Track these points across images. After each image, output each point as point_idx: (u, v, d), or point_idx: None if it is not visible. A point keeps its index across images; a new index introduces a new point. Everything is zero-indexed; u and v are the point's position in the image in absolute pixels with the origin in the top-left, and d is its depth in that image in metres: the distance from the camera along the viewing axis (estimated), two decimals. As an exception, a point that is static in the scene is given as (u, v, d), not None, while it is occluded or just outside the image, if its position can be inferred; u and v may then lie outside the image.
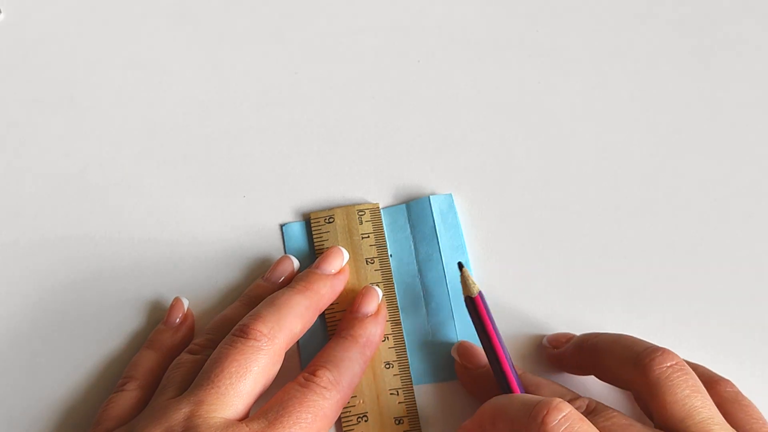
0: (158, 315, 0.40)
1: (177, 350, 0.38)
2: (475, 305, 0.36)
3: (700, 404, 0.31)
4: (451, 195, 0.41)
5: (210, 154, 0.43)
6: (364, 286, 0.38)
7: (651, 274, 0.40)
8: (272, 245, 0.41)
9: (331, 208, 0.41)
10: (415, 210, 0.41)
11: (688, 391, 0.31)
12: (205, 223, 0.41)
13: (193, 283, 0.40)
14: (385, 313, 0.38)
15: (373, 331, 0.37)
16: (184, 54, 0.45)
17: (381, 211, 0.41)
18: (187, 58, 0.45)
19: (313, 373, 0.34)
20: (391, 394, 0.37)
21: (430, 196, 0.41)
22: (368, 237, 0.40)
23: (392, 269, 0.40)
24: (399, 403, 0.37)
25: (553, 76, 0.45)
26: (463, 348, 0.38)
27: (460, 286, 0.39)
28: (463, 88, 0.44)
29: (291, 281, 0.38)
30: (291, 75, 0.45)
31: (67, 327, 0.39)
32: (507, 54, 0.45)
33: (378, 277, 0.39)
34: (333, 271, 0.38)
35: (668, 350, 0.32)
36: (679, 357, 0.32)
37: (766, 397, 0.38)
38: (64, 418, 0.38)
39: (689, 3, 0.46)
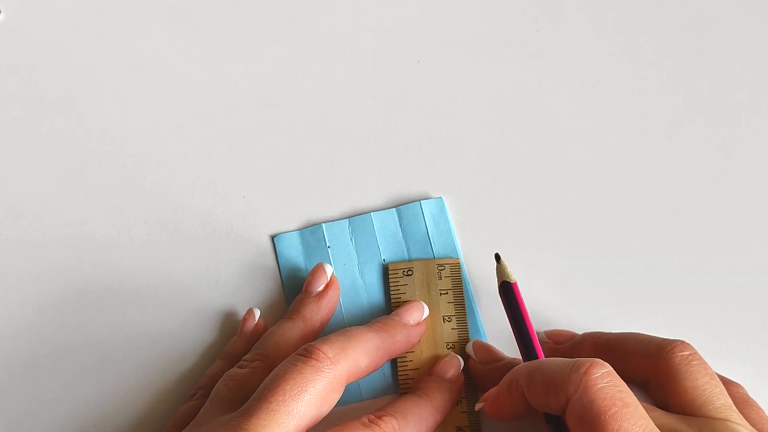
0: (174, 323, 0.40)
1: None
2: (512, 291, 0.36)
3: (719, 391, 0.32)
4: (441, 199, 0.41)
5: (210, 154, 0.43)
6: (449, 353, 0.38)
7: (650, 274, 0.40)
8: (266, 252, 0.41)
9: (410, 260, 0.40)
10: (406, 215, 0.41)
11: (707, 378, 0.32)
12: (205, 224, 0.41)
13: (195, 287, 0.40)
14: (462, 381, 0.37)
15: (448, 397, 0.36)
16: (184, 54, 0.45)
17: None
18: (187, 58, 0.45)
19: (380, 417, 0.33)
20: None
21: (421, 201, 0.41)
22: (447, 293, 0.39)
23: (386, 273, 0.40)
24: (462, 412, 0.37)
25: (553, 76, 0.45)
26: (478, 345, 0.38)
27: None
28: (463, 88, 0.44)
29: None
30: (291, 75, 0.45)
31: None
32: (507, 54, 0.45)
33: (455, 336, 0.38)
34: (412, 322, 0.37)
35: (685, 341, 0.33)
36: (694, 348, 0.33)
37: (766, 396, 0.38)
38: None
39: (689, 3, 0.46)
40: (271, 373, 0.33)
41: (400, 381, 0.37)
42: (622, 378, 0.32)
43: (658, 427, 0.29)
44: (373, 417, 0.33)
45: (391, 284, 0.39)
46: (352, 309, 0.39)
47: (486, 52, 0.45)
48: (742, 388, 0.35)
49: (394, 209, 0.41)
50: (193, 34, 0.45)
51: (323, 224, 0.41)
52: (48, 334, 0.40)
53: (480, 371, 0.37)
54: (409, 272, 0.39)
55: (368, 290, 0.40)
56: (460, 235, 0.41)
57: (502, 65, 0.45)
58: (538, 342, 0.36)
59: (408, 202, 0.41)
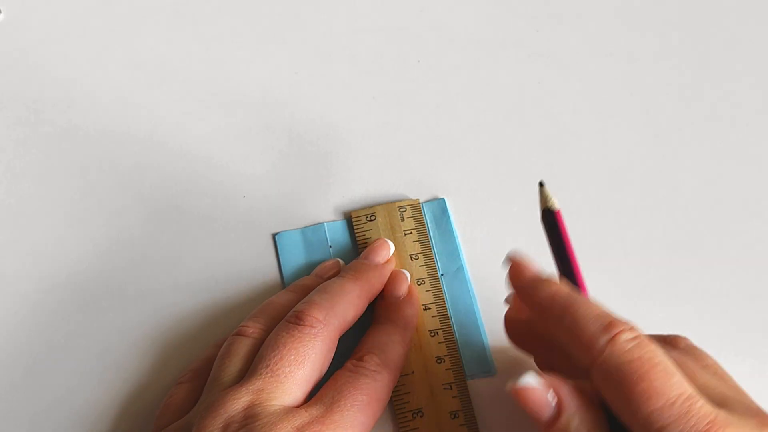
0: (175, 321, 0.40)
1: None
2: (555, 220, 0.34)
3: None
4: (444, 200, 0.41)
5: (210, 154, 0.43)
6: (395, 270, 0.39)
7: (650, 273, 0.40)
8: (267, 250, 0.41)
9: (372, 206, 0.41)
10: (418, 199, 0.41)
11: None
12: (205, 224, 0.41)
13: (198, 286, 0.40)
14: (416, 292, 0.39)
15: (409, 312, 0.38)
16: (185, 54, 0.45)
17: (422, 205, 0.41)
18: (188, 57, 0.45)
19: (361, 359, 0.34)
20: (444, 388, 0.37)
21: (423, 203, 0.41)
22: (411, 233, 0.40)
23: None
24: (453, 397, 0.37)
25: (553, 76, 0.45)
26: (514, 260, 0.33)
27: (457, 291, 0.39)
28: (463, 88, 0.44)
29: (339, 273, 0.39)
30: (291, 75, 0.45)
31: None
32: (507, 54, 0.45)
33: (423, 272, 0.40)
34: (381, 261, 0.39)
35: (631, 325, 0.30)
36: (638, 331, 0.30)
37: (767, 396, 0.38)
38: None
39: (689, 3, 0.46)
40: (268, 341, 0.34)
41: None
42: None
43: (699, 388, 0.28)
44: (355, 361, 0.34)
45: (356, 231, 0.40)
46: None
47: (486, 52, 0.45)
48: (686, 339, 0.34)
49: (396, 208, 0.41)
50: (193, 34, 0.45)
51: (325, 223, 0.41)
52: (48, 334, 0.40)
53: (513, 329, 0.35)
54: (372, 217, 0.40)
55: (369, 289, 0.40)
56: (462, 234, 0.41)
57: (502, 65, 0.45)
58: (581, 274, 0.33)
59: (408, 202, 0.41)
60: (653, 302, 0.40)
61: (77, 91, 0.44)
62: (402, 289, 0.38)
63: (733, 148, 0.43)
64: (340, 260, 0.40)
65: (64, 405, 0.38)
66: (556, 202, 0.35)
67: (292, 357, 0.33)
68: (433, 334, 0.38)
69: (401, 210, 0.41)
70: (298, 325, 0.34)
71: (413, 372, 0.37)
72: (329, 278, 0.39)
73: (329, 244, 0.40)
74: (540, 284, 0.32)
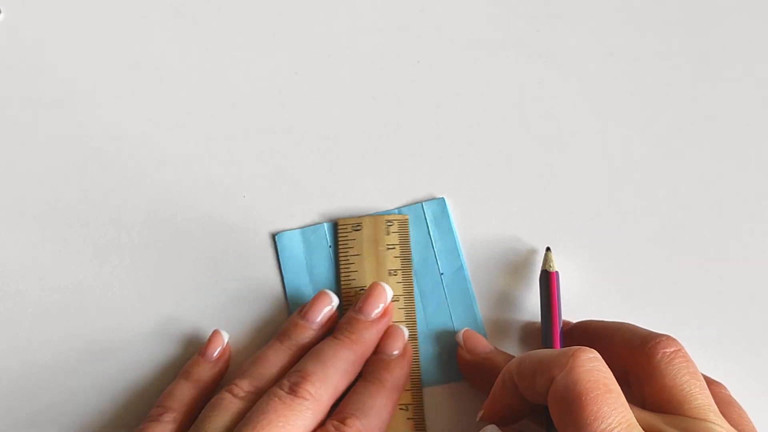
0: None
1: (213, 384, 0.37)
2: (547, 279, 0.37)
3: (697, 390, 0.31)
4: (443, 199, 0.41)
5: (210, 154, 0.43)
6: (391, 325, 0.38)
7: (650, 273, 0.40)
8: (267, 251, 0.41)
9: (359, 216, 0.40)
10: (407, 215, 0.41)
11: (687, 377, 0.32)
12: (205, 224, 0.41)
13: (195, 286, 0.40)
14: (410, 353, 0.38)
15: (400, 373, 0.37)
16: (184, 54, 0.45)
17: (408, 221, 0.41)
18: (187, 58, 0.45)
19: (343, 421, 0.34)
20: (401, 409, 0.37)
21: (423, 203, 0.41)
22: (394, 248, 0.40)
23: None
24: (408, 419, 0.37)
25: (553, 76, 0.45)
26: (468, 334, 0.38)
27: (457, 292, 0.39)
28: (463, 88, 0.44)
29: (334, 328, 0.38)
30: (291, 75, 0.45)
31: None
32: (507, 54, 0.45)
33: (399, 289, 0.39)
34: (377, 313, 0.37)
35: (672, 337, 0.33)
36: (680, 344, 0.33)
37: (766, 396, 0.38)
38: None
39: (689, 3, 0.46)
40: (258, 405, 0.33)
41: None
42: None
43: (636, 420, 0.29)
44: (337, 423, 0.34)
45: (339, 239, 0.40)
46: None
47: (486, 52, 0.45)
48: (725, 388, 0.35)
49: (395, 210, 0.41)
50: (193, 34, 0.45)
51: (324, 223, 0.41)
52: (48, 334, 0.39)
53: (467, 360, 0.37)
54: (358, 227, 0.40)
55: (369, 289, 0.40)
56: (461, 235, 0.41)
57: (502, 65, 0.45)
58: (558, 334, 0.36)
59: (408, 202, 0.41)
60: (653, 302, 0.40)
61: (77, 91, 0.44)
62: (397, 347, 0.37)
63: (734, 148, 0.43)
64: (331, 294, 0.39)
65: (59, 404, 0.38)
66: (555, 265, 0.38)
67: (281, 424, 0.32)
68: None
69: (388, 224, 0.40)
70: (290, 395, 0.33)
71: None
72: (322, 326, 0.38)
73: (329, 244, 0.40)
74: (495, 352, 0.37)
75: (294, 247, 0.40)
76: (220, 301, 0.40)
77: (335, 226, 0.40)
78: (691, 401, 0.31)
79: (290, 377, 0.34)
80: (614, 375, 0.31)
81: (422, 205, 0.41)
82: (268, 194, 0.42)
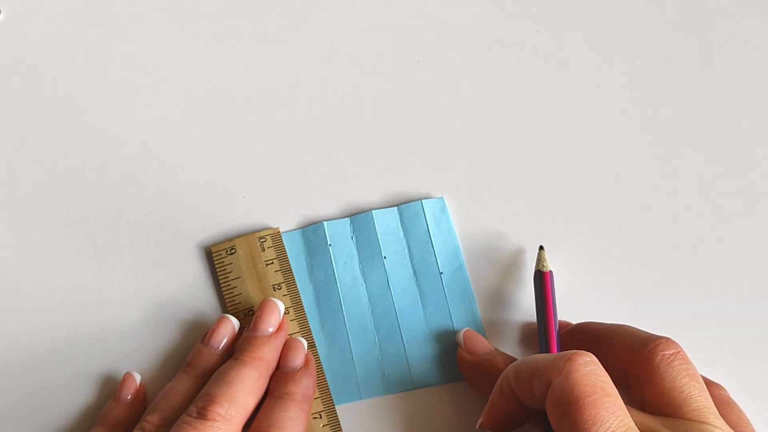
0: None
1: (130, 426, 0.37)
2: (542, 280, 0.37)
3: (697, 393, 0.31)
4: (442, 198, 0.41)
5: (210, 154, 0.43)
6: (289, 338, 0.38)
7: (651, 274, 0.40)
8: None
9: (231, 239, 0.40)
10: (407, 214, 0.41)
11: (687, 379, 0.32)
12: (205, 224, 0.41)
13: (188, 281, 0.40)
14: (313, 362, 0.38)
15: (307, 384, 0.37)
16: (184, 54, 0.45)
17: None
18: (187, 58, 0.45)
19: None
20: (314, 417, 0.38)
21: (423, 201, 0.41)
22: (272, 263, 0.40)
23: (386, 272, 0.40)
24: (323, 426, 0.38)
25: (553, 76, 0.45)
26: (468, 335, 0.38)
27: (456, 290, 0.39)
28: (463, 88, 0.44)
29: (234, 349, 0.37)
30: (291, 75, 0.45)
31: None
32: (507, 54, 0.45)
33: (287, 301, 0.39)
34: (272, 329, 0.37)
35: (671, 339, 0.33)
36: (680, 347, 0.33)
37: (766, 396, 0.38)
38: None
39: (689, 3, 0.46)
40: None
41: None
42: (607, 370, 0.32)
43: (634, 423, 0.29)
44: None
45: (216, 266, 0.40)
46: (353, 307, 0.39)
47: (486, 52, 0.45)
48: (724, 389, 0.35)
49: (395, 208, 0.41)
50: (193, 34, 0.45)
51: (324, 222, 0.41)
52: (47, 335, 0.39)
53: (467, 361, 0.37)
54: (232, 251, 0.40)
55: (369, 288, 0.40)
56: (461, 234, 0.41)
57: (502, 65, 0.45)
58: (554, 335, 0.36)
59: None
60: (653, 302, 0.40)
61: (77, 91, 0.44)
62: (298, 359, 0.37)
63: (734, 148, 0.43)
64: (231, 318, 0.38)
65: (65, 408, 0.38)
66: (549, 264, 0.38)
67: None
68: None
69: (261, 240, 0.40)
70: (200, 419, 0.33)
71: None
72: (225, 351, 0.38)
73: (329, 243, 0.40)
74: (495, 353, 0.37)
75: (294, 247, 0.40)
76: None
77: (209, 254, 0.40)
78: (690, 403, 0.31)
79: (197, 402, 0.34)
80: (614, 377, 0.31)
81: (422, 203, 0.41)
82: (268, 194, 0.42)
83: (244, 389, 0.35)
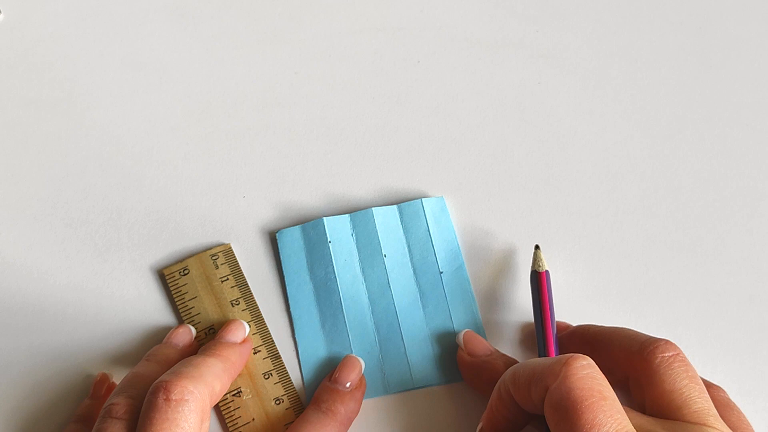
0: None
1: None
2: (538, 280, 0.37)
3: (696, 395, 0.31)
4: (442, 198, 0.41)
5: (210, 154, 0.43)
6: (349, 356, 0.38)
7: (650, 273, 0.40)
8: (267, 249, 0.41)
9: (183, 260, 0.40)
10: (407, 212, 0.41)
11: (686, 381, 0.32)
12: (205, 224, 0.41)
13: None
14: (365, 386, 0.38)
15: (353, 407, 0.37)
16: (184, 54, 0.45)
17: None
18: (187, 58, 0.45)
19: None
20: (276, 403, 0.38)
21: (422, 199, 0.41)
22: (227, 279, 0.40)
23: (387, 270, 0.40)
24: (275, 384, 0.38)
25: (553, 76, 0.45)
26: (468, 336, 0.38)
27: (456, 290, 0.39)
28: (463, 88, 0.44)
29: (198, 350, 0.38)
30: (291, 75, 0.45)
31: None
32: (507, 54, 0.45)
33: (247, 316, 0.39)
34: (238, 340, 0.38)
35: (670, 341, 0.33)
36: (680, 349, 0.33)
37: (766, 396, 0.38)
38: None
39: (689, 3, 0.46)
40: (141, 419, 0.32)
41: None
42: (604, 373, 0.32)
43: (633, 426, 0.29)
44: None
45: (171, 288, 0.40)
46: (353, 304, 0.39)
47: (486, 52, 0.45)
48: (724, 391, 0.35)
49: (395, 206, 0.41)
50: (193, 34, 0.45)
51: (324, 218, 0.41)
52: (47, 335, 0.39)
53: (467, 362, 0.37)
54: (185, 271, 0.40)
55: (368, 285, 0.40)
56: (461, 234, 0.41)
57: (502, 65, 0.45)
58: (551, 335, 0.36)
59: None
60: (652, 302, 0.40)
61: (77, 91, 0.44)
62: (352, 377, 0.37)
63: (734, 148, 0.43)
64: (191, 327, 0.39)
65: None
66: (545, 264, 0.37)
67: (167, 425, 0.31)
68: (267, 377, 0.38)
69: (213, 258, 0.40)
70: (169, 399, 0.32)
71: (253, 419, 0.37)
72: (185, 347, 0.38)
73: (329, 239, 0.40)
74: (495, 355, 0.37)
75: (294, 243, 0.40)
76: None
77: (162, 276, 0.40)
78: (690, 405, 0.31)
79: (164, 378, 0.33)
80: (614, 380, 0.31)
81: (422, 202, 0.41)
82: (268, 194, 0.42)
83: (209, 372, 0.34)
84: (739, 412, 0.34)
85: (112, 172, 0.43)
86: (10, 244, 0.41)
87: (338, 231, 0.40)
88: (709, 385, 0.34)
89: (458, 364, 0.38)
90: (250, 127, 0.43)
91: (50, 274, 0.41)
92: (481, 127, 0.43)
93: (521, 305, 0.40)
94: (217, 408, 0.38)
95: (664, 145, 0.43)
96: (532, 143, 0.43)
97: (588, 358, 0.30)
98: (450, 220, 0.41)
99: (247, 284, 0.40)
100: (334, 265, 0.40)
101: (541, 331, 0.36)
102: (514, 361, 0.37)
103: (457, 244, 0.40)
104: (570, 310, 0.39)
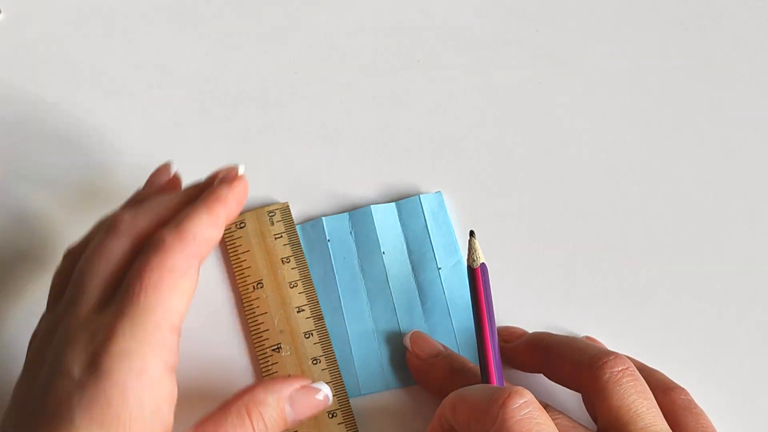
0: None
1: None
2: (474, 277, 0.35)
3: (644, 410, 0.31)
4: (440, 193, 0.41)
5: (210, 154, 0.43)
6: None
7: (650, 274, 0.40)
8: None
9: (241, 213, 0.39)
10: (405, 209, 0.41)
11: (635, 396, 0.31)
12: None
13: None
14: (245, 182, 0.35)
15: (229, 207, 0.34)
16: (184, 54, 0.45)
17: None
18: (188, 58, 0.45)
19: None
20: (313, 363, 0.37)
21: (420, 195, 0.41)
22: (281, 237, 0.40)
23: (385, 267, 0.40)
24: (314, 344, 0.38)
25: (553, 76, 0.45)
26: (415, 336, 0.38)
27: (455, 286, 0.39)
28: (463, 88, 0.44)
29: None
30: (291, 75, 0.45)
31: None
32: (507, 54, 0.45)
33: (296, 275, 0.39)
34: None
35: (620, 355, 0.32)
36: (630, 362, 0.32)
37: (765, 395, 0.38)
38: None
39: (690, 3, 0.46)
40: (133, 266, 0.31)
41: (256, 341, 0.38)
42: (560, 383, 0.32)
43: None
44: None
45: (226, 239, 0.40)
46: (352, 303, 0.39)
47: (486, 52, 0.45)
48: (686, 393, 0.34)
49: (393, 203, 0.41)
50: (193, 34, 0.46)
51: (323, 218, 0.41)
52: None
53: (416, 365, 0.37)
54: (242, 225, 0.40)
55: (368, 283, 0.40)
56: (460, 234, 0.41)
57: (502, 65, 0.45)
58: (489, 335, 0.34)
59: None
60: (651, 302, 0.40)
61: (77, 90, 0.44)
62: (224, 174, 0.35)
63: (734, 148, 0.43)
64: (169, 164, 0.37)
65: None
66: (481, 257, 0.35)
67: (156, 277, 0.30)
68: (307, 336, 0.38)
69: (270, 214, 0.40)
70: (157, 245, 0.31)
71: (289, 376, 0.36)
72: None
73: (328, 238, 0.40)
74: (444, 356, 0.36)
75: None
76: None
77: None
78: (637, 422, 0.31)
79: (174, 219, 0.32)
80: (569, 388, 0.31)
81: (419, 198, 0.41)
82: (268, 193, 0.42)
83: (204, 219, 0.33)
84: (699, 413, 0.33)
85: (112, 172, 0.43)
86: (11, 243, 0.41)
87: (337, 230, 0.40)
88: (672, 388, 0.34)
89: (408, 365, 0.37)
90: (250, 127, 0.44)
91: (50, 275, 0.41)
92: (481, 127, 0.43)
93: (519, 301, 0.39)
94: (255, 360, 0.38)
95: (664, 145, 0.43)
96: (532, 143, 0.43)
97: (527, 393, 0.29)
98: (448, 216, 0.41)
99: (299, 244, 0.40)
100: (333, 263, 0.40)
101: (480, 341, 0.34)
102: (461, 365, 0.36)
103: (456, 240, 0.40)
104: (563, 309, 0.39)
